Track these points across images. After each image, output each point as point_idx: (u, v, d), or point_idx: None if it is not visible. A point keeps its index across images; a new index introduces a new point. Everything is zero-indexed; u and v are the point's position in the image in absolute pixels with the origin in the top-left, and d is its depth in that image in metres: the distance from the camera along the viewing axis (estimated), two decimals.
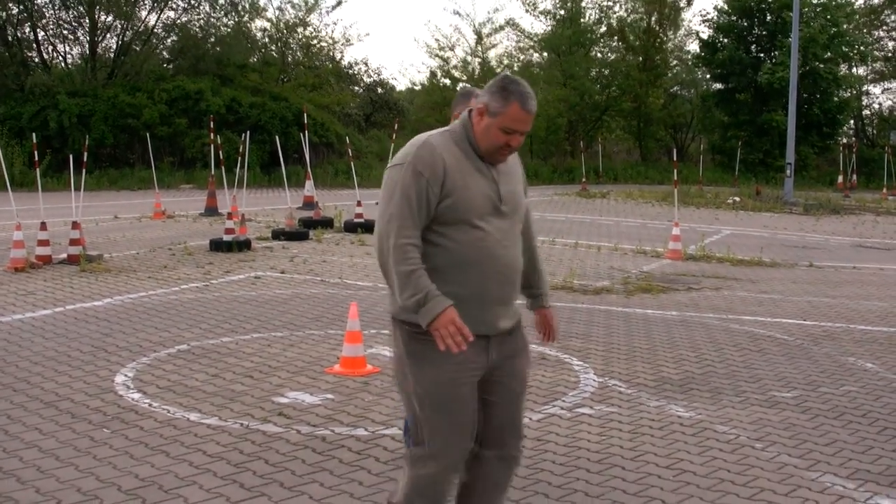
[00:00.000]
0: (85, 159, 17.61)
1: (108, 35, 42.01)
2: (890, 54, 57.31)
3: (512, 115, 4.12)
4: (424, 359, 4.18)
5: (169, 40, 44.15)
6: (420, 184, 4.06)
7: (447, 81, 50.48)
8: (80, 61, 41.96)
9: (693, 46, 53.68)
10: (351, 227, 20.08)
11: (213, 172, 23.97)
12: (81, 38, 41.91)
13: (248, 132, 24.11)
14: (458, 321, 4.02)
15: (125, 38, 41.78)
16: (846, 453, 6.67)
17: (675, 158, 23.17)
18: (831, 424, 7.37)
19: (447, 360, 4.12)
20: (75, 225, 14.84)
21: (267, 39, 47.62)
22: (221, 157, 21.56)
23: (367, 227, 19.85)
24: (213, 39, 43.56)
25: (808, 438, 6.99)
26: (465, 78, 49.37)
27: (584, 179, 39.01)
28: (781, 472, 6.25)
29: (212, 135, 25.14)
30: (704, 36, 50.62)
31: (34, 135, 17.92)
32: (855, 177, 44.14)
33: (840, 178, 42.29)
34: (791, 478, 6.14)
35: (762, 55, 48.58)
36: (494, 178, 4.25)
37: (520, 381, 4.47)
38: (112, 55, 42.00)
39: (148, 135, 30.73)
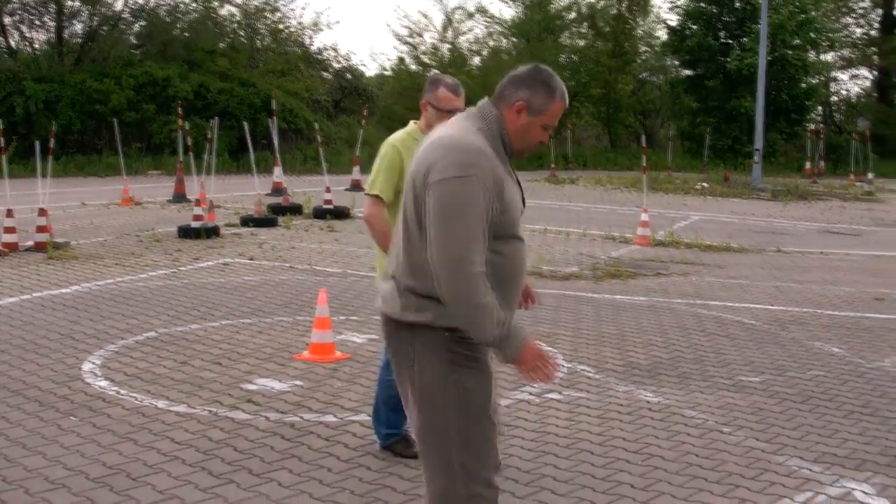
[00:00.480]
0: (52, 145, 17.49)
1: (75, 20, 41.67)
2: (858, 41, 57.66)
3: (555, 112, 3.85)
4: (472, 368, 3.77)
5: (136, 25, 43.79)
6: (487, 200, 3.61)
7: (417, 68, 50.43)
8: (46, 47, 41.59)
9: (662, 33, 53.87)
10: (320, 214, 20.00)
11: (181, 159, 23.86)
12: (48, 23, 41.54)
13: (217, 118, 23.93)
14: (542, 351, 3.76)
15: (92, 24, 41.42)
16: (813, 437, 6.73)
17: (643, 144, 23.19)
18: (798, 409, 7.42)
19: (487, 366, 3.84)
20: (42, 212, 14.74)
21: (235, 25, 47.36)
22: (189, 143, 21.47)
23: (336, 214, 19.82)
24: (180, 25, 43.28)
25: (776, 423, 7.03)
26: (434, 64, 49.33)
27: (553, 165, 39.01)
28: (749, 455, 6.29)
29: (180, 121, 25.00)
30: (673, 23, 50.82)
31: (0, 121, 17.76)
32: (823, 163, 44.39)
33: (808, 165, 42.50)
34: (758, 461, 6.18)
35: (731, 42, 48.76)
36: (518, 180, 3.92)
37: None
38: (79, 41, 41.63)
39: (115, 121, 30.37)
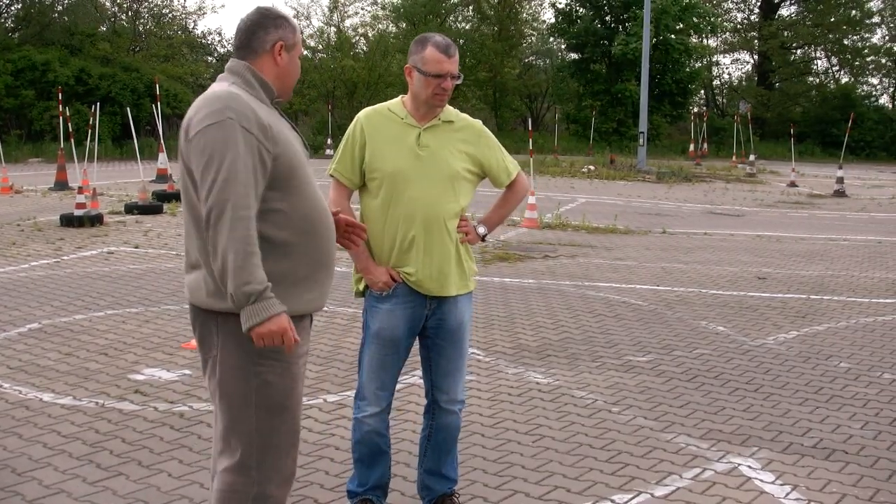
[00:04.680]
0: None
1: None
2: (739, 26, 58.88)
3: (297, 37, 3.95)
4: (278, 362, 3.67)
5: (13, 8, 42.71)
6: (250, 142, 3.59)
7: (303, 51, 50.04)
8: None
9: (548, 16, 54.28)
10: None
11: (62, 146, 23.35)
12: None
13: (98, 104, 23.47)
14: (288, 328, 3.54)
15: None
16: (699, 414, 6.86)
17: (530, 128, 23.39)
18: (685, 387, 7.56)
19: (296, 354, 3.70)
20: None
21: (116, 8, 46.49)
22: (71, 129, 20.99)
23: None
24: (60, 7, 42.29)
25: (663, 401, 7.15)
26: (321, 47, 49.01)
27: None
28: (637, 434, 6.39)
29: (60, 107, 24.46)
30: (561, 5, 51.20)
31: None
32: (706, 145, 45.15)
33: (692, 147, 43.23)
34: (647, 440, 6.28)
35: (617, 26, 49.35)
36: (294, 126, 3.93)
37: None
38: None
39: None
